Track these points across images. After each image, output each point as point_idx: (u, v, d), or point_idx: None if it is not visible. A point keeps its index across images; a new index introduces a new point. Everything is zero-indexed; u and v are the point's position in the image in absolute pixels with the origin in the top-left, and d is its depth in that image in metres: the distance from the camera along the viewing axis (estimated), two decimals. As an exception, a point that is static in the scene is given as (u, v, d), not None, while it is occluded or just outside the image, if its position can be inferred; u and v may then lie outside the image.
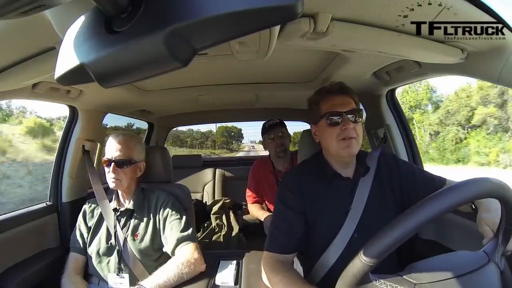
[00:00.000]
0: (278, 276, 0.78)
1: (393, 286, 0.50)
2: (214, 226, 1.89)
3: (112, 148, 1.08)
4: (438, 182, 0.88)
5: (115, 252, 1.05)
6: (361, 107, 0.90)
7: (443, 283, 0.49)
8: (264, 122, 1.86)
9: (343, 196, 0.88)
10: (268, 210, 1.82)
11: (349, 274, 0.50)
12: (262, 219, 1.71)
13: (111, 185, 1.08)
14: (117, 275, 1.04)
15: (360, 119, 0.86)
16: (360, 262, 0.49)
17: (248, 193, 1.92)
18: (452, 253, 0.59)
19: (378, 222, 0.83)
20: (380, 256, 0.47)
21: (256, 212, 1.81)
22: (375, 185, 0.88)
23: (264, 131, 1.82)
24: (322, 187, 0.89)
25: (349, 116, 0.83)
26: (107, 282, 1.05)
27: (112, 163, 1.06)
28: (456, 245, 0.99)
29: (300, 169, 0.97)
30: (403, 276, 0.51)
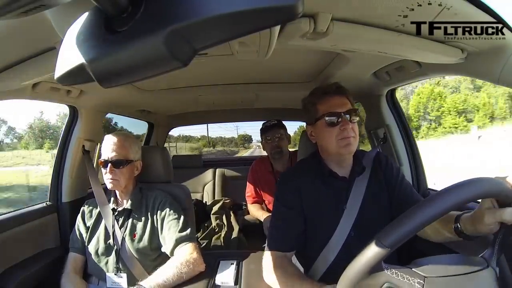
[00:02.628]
0: (279, 273, 0.79)
1: (404, 277, 0.51)
2: (214, 226, 1.89)
3: (108, 149, 1.08)
4: (416, 196, 0.90)
5: (113, 251, 1.05)
6: (356, 106, 0.91)
7: (452, 279, 0.50)
8: (263, 122, 1.86)
9: (339, 195, 0.89)
10: (268, 210, 1.81)
11: (364, 259, 0.50)
12: (262, 219, 1.71)
13: (109, 186, 1.08)
14: (115, 274, 1.04)
15: (357, 119, 0.87)
16: (378, 246, 0.48)
17: (248, 193, 1.92)
18: (453, 255, 0.59)
19: (374, 221, 0.84)
20: (399, 241, 0.48)
21: (256, 212, 1.81)
22: (370, 184, 0.89)
23: (262, 132, 1.83)
24: (319, 186, 0.90)
25: (347, 116, 0.84)
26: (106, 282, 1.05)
27: (109, 164, 1.06)
28: (456, 245, 0.99)
29: (297, 169, 0.97)
30: (413, 269, 0.52)
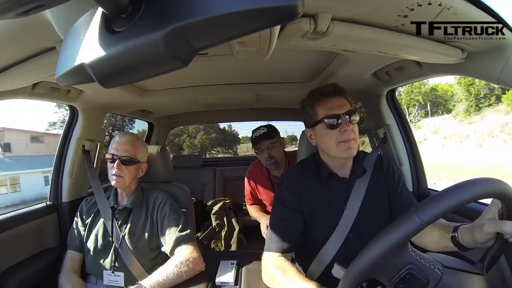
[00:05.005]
0: (278, 274, 0.78)
1: (427, 261, 0.51)
2: (214, 226, 1.89)
3: (119, 146, 1.10)
4: (410, 203, 0.90)
5: (112, 250, 1.06)
6: (356, 106, 0.90)
7: (465, 275, 0.52)
8: (252, 130, 1.73)
9: (339, 196, 0.89)
10: (267, 211, 1.79)
11: (401, 233, 0.49)
12: (260, 221, 1.70)
13: (113, 182, 1.08)
14: (113, 272, 1.04)
15: (357, 119, 0.86)
16: (415, 221, 0.48)
17: (246, 196, 1.90)
18: (459, 259, 0.60)
19: (373, 223, 0.84)
20: (436, 218, 0.48)
21: (254, 213, 1.79)
22: (371, 186, 0.89)
23: (252, 142, 1.69)
24: (319, 187, 0.90)
25: (346, 117, 0.84)
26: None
27: (117, 160, 1.07)
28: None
29: (297, 170, 0.97)
30: (433, 257, 0.53)
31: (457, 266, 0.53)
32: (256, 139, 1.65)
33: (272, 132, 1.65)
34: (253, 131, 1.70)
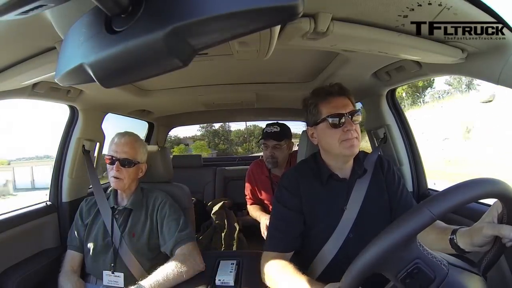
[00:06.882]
0: (278, 274, 0.78)
1: (434, 257, 0.51)
2: (214, 226, 1.89)
3: (118, 147, 1.09)
4: (410, 204, 0.90)
5: (111, 250, 1.06)
6: (358, 107, 0.90)
7: (470, 275, 0.51)
8: (267, 124, 1.76)
9: (339, 196, 0.89)
10: (267, 211, 1.79)
11: (410, 226, 0.49)
12: (260, 220, 1.70)
13: (112, 184, 1.08)
14: (112, 273, 1.04)
15: (359, 119, 0.86)
16: (426, 214, 0.48)
17: (246, 195, 1.90)
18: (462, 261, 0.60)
19: (373, 224, 0.84)
20: (446, 212, 0.48)
21: (254, 213, 1.79)
22: (371, 187, 0.89)
23: (262, 135, 1.74)
24: (319, 187, 0.90)
25: (349, 117, 0.84)
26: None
27: (117, 162, 1.07)
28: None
29: (297, 170, 0.97)
30: (439, 255, 0.53)
31: (460, 265, 0.53)
32: (265, 134, 1.68)
33: (282, 135, 1.66)
34: (267, 125, 1.71)
